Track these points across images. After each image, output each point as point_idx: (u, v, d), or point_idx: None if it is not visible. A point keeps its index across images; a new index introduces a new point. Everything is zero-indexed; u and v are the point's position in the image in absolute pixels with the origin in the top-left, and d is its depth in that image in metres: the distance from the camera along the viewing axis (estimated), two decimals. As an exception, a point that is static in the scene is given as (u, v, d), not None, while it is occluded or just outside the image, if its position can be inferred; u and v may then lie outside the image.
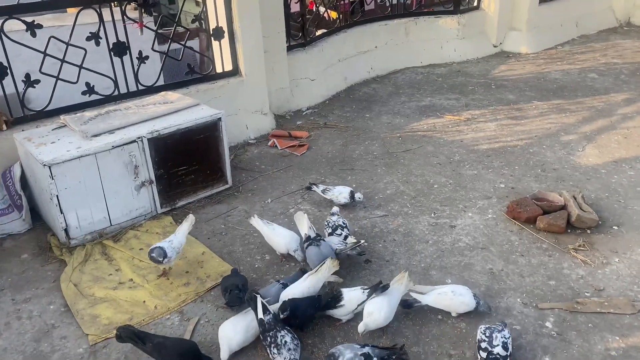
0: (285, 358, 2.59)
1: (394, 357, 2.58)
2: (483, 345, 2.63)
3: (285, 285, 3.05)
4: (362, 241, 3.42)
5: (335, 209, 3.77)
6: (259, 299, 2.74)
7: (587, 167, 4.59)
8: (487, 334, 2.66)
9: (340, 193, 3.99)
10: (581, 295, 3.11)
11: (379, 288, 2.85)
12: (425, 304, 2.96)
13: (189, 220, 3.49)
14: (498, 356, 2.58)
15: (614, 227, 3.73)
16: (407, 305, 2.98)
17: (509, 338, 2.65)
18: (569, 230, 3.69)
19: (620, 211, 3.91)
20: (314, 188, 4.11)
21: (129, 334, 2.67)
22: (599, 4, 9.27)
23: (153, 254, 3.24)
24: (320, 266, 3.03)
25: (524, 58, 7.87)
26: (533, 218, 3.75)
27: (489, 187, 4.33)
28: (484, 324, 2.77)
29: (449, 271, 3.35)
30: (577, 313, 2.97)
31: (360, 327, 2.79)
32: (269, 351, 2.64)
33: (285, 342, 2.62)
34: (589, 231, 3.68)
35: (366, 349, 2.56)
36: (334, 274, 3.08)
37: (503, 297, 3.11)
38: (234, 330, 2.74)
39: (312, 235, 3.32)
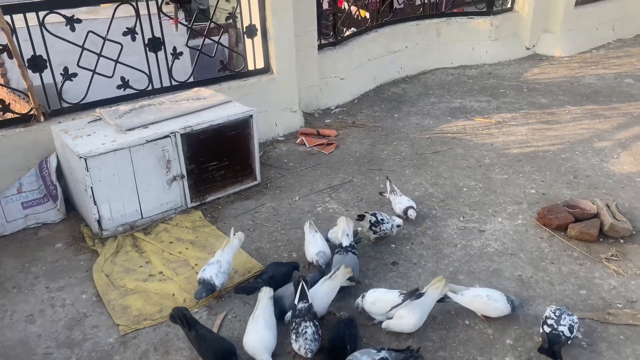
0: (300, 346, 2.66)
1: (410, 359, 2.58)
2: (549, 322, 2.73)
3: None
4: (367, 213, 3.51)
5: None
6: (302, 285, 2.84)
7: (621, 174, 4.49)
8: (557, 314, 2.75)
9: (400, 202, 3.88)
10: (613, 306, 3.05)
11: (414, 295, 2.84)
12: (456, 302, 2.95)
13: (239, 237, 3.35)
14: (561, 334, 2.66)
15: (648, 237, 3.65)
16: (439, 300, 2.94)
17: (576, 324, 2.72)
18: (601, 239, 3.62)
19: (655, 221, 3.82)
20: (387, 183, 4.08)
21: (180, 316, 2.76)
22: (637, 8, 9.04)
23: (203, 294, 3.07)
24: (335, 272, 3.03)
25: (558, 61, 7.73)
26: (564, 225, 3.69)
27: (519, 192, 4.27)
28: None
29: (477, 276, 3.32)
30: (608, 324, 2.92)
31: (384, 324, 2.82)
32: (290, 334, 2.73)
33: (306, 332, 2.67)
34: (622, 241, 3.60)
35: (383, 354, 2.55)
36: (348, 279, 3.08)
37: (532, 304, 3.07)
38: (259, 332, 2.71)
39: (345, 244, 3.30)
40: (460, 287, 3.06)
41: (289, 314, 2.89)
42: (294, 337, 2.70)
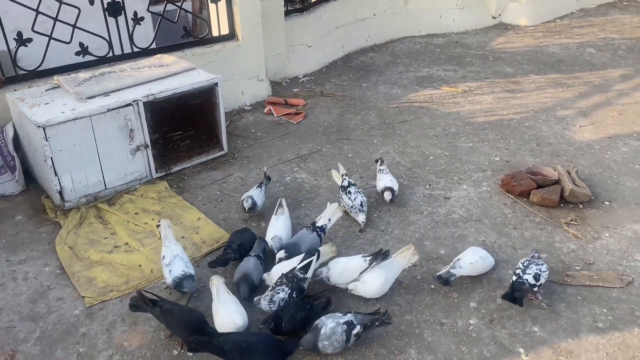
0: (262, 307, 2.73)
1: (376, 322, 2.63)
2: (517, 271, 2.88)
3: (259, 257, 3.04)
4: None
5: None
6: (313, 258, 2.84)
7: (581, 142, 4.61)
8: (525, 264, 2.90)
9: (380, 180, 3.78)
10: (571, 268, 3.17)
11: (380, 255, 2.87)
12: (459, 275, 2.98)
13: (166, 224, 3.13)
14: (525, 282, 2.81)
15: (605, 202, 3.78)
16: (445, 282, 2.95)
17: (544, 272, 2.86)
18: (562, 205, 3.73)
19: (613, 187, 3.95)
20: (378, 164, 3.89)
21: (140, 301, 2.67)
22: (600, -23, 9.16)
23: (185, 289, 2.90)
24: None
25: (523, 30, 7.80)
26: (527, 192, 3.79)
27: (484, 160, 4.34)
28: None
29: (442, 242, 3.39)
30: (567, 286, 3.03)
31: (350, 286, 2.85)
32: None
33: (278, 294, 2.71)
34: (581, 206, 3.72)
35: (348, 317, 2.59)
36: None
37: (495, 268, 3.15)
38: (231, 314, 2.67)
39: (319, 224, 3.26)
40: (449, 264, 3.06)
41: (268, 275, 2.90)
42: (266, 294, 2.74)
